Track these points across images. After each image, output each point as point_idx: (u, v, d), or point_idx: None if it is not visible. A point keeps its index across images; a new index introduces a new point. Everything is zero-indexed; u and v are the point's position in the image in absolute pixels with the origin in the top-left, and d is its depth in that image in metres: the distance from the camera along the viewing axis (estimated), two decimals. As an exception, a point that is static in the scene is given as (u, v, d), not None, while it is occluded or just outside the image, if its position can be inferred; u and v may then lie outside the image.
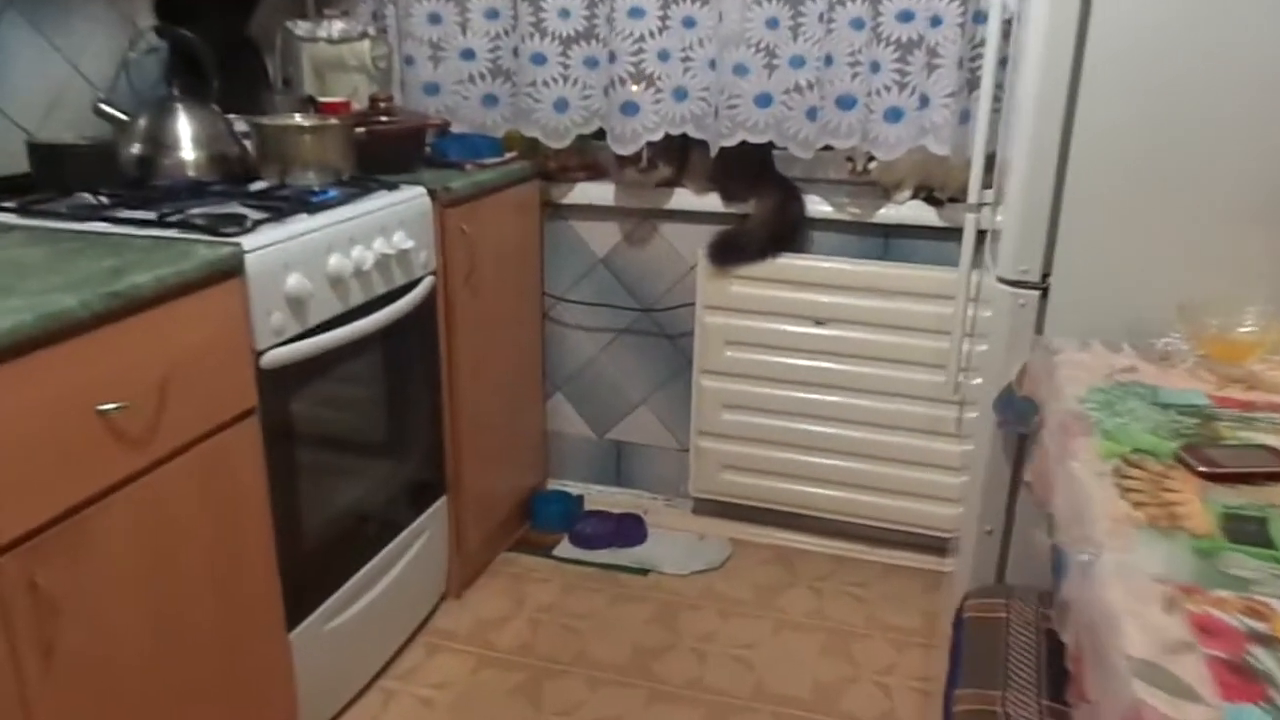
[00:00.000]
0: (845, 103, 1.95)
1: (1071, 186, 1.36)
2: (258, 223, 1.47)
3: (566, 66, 2.15)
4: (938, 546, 2.26)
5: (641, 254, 2.37)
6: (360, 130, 1.86)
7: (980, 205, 1.94)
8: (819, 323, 2.20)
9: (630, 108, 2.09)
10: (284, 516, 1.54)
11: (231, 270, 1.37)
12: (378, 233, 1.70)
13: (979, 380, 1.63)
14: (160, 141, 1.75)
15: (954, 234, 2.11)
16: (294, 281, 1.49)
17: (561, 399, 2.54)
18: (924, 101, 1.92)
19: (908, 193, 2.12)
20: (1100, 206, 1.36)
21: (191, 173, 1.76)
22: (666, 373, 2.44)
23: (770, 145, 2.17)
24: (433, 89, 2.24)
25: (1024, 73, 1.42)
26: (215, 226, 1.42)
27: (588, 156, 2.38)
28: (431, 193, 1.87)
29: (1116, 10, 1.28)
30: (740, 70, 2.02)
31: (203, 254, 1.33)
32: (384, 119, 1.95)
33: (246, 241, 1.41)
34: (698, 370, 2.32)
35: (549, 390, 2.54)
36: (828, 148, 2.07)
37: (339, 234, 1.61)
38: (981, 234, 1.97)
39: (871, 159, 2.04)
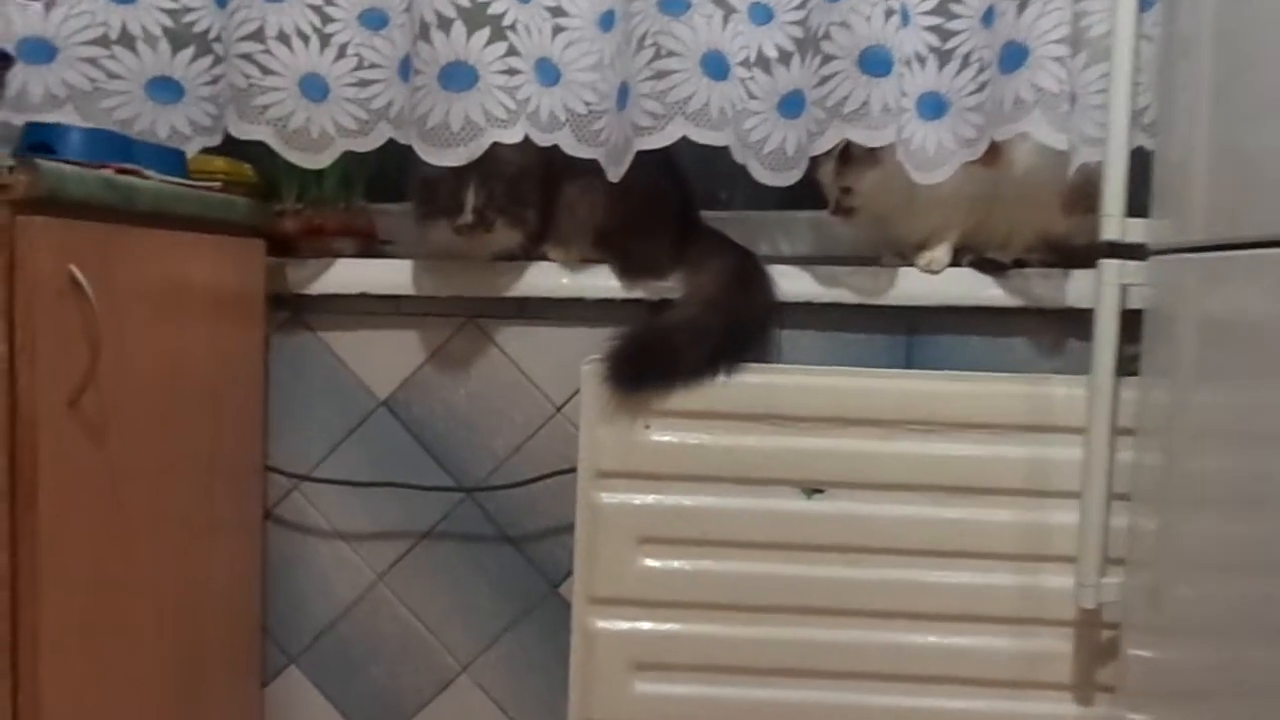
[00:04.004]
0: (875, 62, 1.05)
1: None
2: None
3: (326, 17, 1.13)
4: None
5: (463, 387, 1.28)
6: None
7: (1127, 245, 1.08)
8: (813, 492, 1.19)
9: (458, 75, 1.08)
10: None
11: None
12: None
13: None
14: None
15: (1026, 318, 1.22)
16: None
17: (299, 677, 1.31)
18: (1012, 58, 1.06)
19: (943, 252, 1.22)
20: None
21: None
22: (513, 609, 1.30)
23: (684, 188, 1.23)
24: (39, 51, 1.11)
25: None
26: None
27: (357, 215, 1.31)
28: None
29: None
30: (673, 3, 1.08)
31: None
32: None
33: None
34: (581, 601, 1.20)
35: (275, 661, 1.30)
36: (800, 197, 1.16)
37: None
38: (1131, 312, 1.09)
39: (847, 192, 1.14)
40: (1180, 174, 1.03)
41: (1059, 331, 1.22)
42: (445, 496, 1.28)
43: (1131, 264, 1.07)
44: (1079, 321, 1.20)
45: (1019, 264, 1.21)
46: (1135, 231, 1.07)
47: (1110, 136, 1.05)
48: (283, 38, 1.10)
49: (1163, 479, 1.07)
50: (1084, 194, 1.15)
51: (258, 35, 1.09)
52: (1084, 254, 1.18)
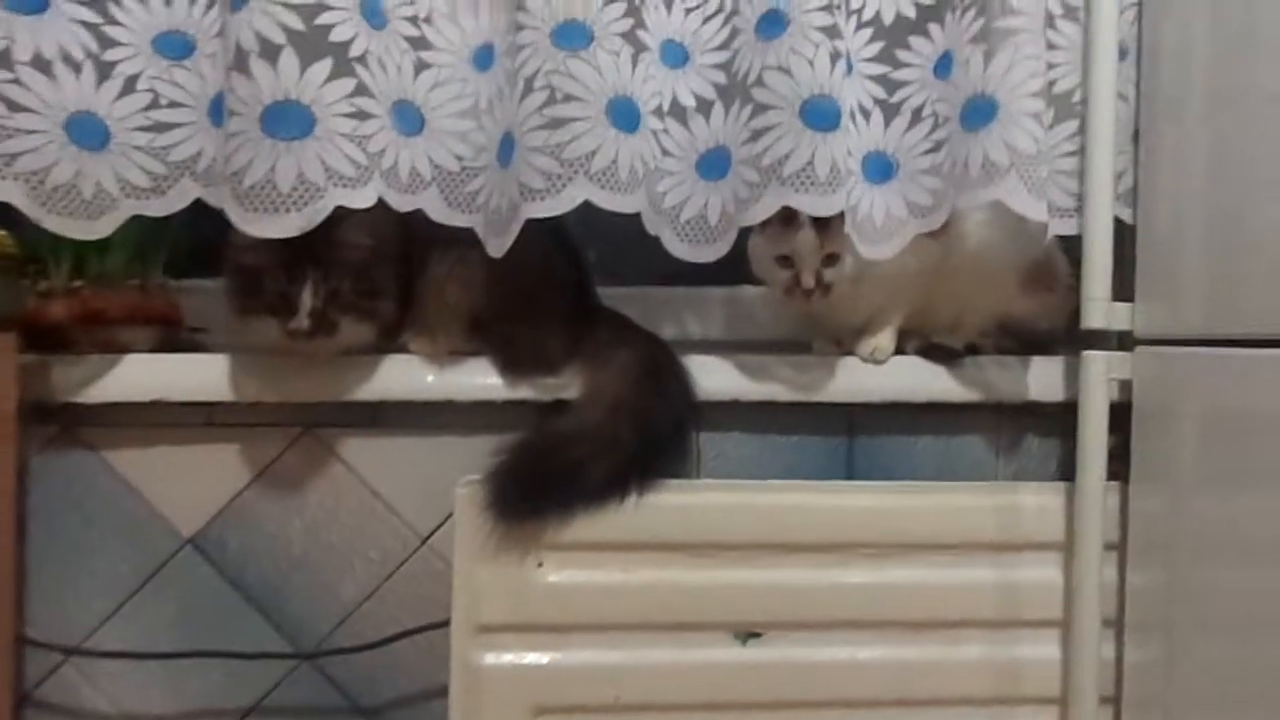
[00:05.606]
0: (820, 114, 0.86)
1: None
2: None
3: (106, 40, 0.85)
4: None
5: (298, 518, 1.00)
6: None
7: (1114, 335, 0.92)
8: (748, 636, 0.97)
9: (288, 118, 0.81)
10: None
11: None
12: None
13: None
14: None
15: (980, 413, 1.05)
16: None
17: None
18: (978, 114, 0.88)
19: (887, 338, 1.03)
20: None
21: None
22: (367, 806, 1.01)
23: (577, 261, 1.02)
24: None
25: None
26: None
27: (155, 296, 1.01)
28: None
29: None
30: (572, 37, 0.86)
31: None
32: None
33: None
34: (459, 792, 0.93)
35: None
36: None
37: None
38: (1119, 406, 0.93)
39: (832, 259, 0.94)
40: (1170, 253, 0.89)
41: (1016, 428, 1.05)
42: (276, 663, 0.98)
43: (1118, 355, 0.92)
44: (1040, 416, 1.04)
45: (972, 350, 1.04)
46: (1121, 318, 0.91)
47: (1089, 207, 0.90)
48: (41, 63, 0.81)
49: (1164, 601, 0.91)
50: (1046, 270, 1.00)
51: (3, 60, 0.80)
52: (1044, 338, 1.03)
